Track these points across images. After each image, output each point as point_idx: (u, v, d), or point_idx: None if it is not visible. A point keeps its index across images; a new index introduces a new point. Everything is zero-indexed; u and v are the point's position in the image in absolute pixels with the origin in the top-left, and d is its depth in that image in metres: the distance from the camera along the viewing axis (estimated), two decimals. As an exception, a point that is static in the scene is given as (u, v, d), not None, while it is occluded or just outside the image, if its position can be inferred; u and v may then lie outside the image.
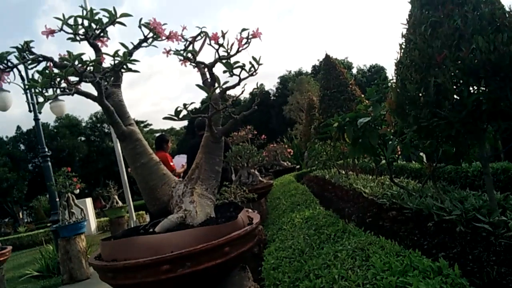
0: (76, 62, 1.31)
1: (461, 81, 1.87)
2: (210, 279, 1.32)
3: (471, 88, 1.93)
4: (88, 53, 1.39)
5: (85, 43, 1.50)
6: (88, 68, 1.36)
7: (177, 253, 1.15)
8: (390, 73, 2.93)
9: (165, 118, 1.38)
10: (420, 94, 2.00)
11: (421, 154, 3.20)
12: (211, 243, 1.19)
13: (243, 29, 1.44)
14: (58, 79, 1.33)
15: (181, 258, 1.15)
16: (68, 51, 1.35)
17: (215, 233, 1.24)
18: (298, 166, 12.34)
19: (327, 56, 8.61)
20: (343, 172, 6.19)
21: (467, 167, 3.82)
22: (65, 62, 1.46)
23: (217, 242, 1.20)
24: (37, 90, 1.23)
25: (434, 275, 1.25)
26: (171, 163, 5.98)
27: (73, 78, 1.38)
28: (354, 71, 41.85)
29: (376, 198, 3.53)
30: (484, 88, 1.82)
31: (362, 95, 6.87)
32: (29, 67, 1.47)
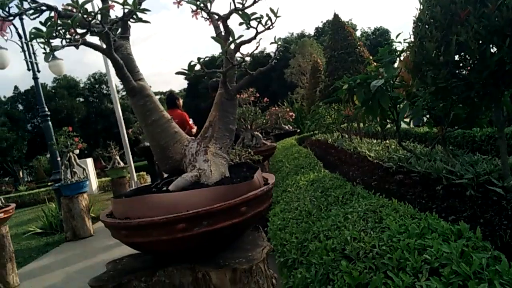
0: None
1: (484, 40, 1.77)
2: (225, 238, 1.30)
3: (493, 48, 1.84)
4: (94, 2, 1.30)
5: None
6: (95, 19, 1.26)
7: (194, 211, 1.12)
8: (394, 36, 2.81)
9: (177, 73, 1.31)
10: (440, 54, 1.91)
11: (425, 117, 3.13)
12: (228, 203, 1.16)
13: (261, -23, 1.33)
14: (63, 30, 1.24)
15: (198, 217, 1.13)
16: (72, -1, 1.25)
17: (232, 192, 1.20)
18: (299, 130, 12.31)
19: (335, 16, 8.32)
20: (346, 136, 6.15)
21: (476, 132, 3.78)
22: (69, 12, 1.37)
23: (234, 201, 1.17)
24: (42, 40, 1.14)
25: (455, 238, 1.23)
26: (190, 122, 5.86)
27: (79, 30, 1.29)
28: (358, 33, 40.90)
29: (382, 161, 3.51)
30: (508, 48, 1.73)
31: (370, 57, 6.70)
32: (31, 17, 1.37)
